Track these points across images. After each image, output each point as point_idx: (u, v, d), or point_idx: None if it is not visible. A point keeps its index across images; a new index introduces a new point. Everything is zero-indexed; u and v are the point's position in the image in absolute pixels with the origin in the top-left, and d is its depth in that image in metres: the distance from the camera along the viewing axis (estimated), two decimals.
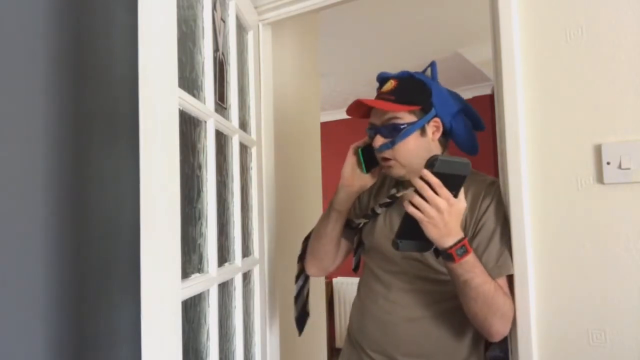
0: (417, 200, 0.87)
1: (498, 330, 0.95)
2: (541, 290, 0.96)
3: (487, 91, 3.81)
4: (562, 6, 0.96)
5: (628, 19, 0.90)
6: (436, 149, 1.07)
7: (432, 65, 1.11)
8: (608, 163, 0.90)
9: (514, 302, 0.97)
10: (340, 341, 4.12)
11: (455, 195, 0.87)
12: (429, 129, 1.05)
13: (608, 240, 0.90)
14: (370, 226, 1.17)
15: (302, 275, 1.27)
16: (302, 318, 1.29)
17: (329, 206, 1.16)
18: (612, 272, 0.90)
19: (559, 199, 0.95)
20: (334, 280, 4.20)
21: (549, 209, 0.95)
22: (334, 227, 1.15)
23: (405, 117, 1.03)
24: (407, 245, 0.93)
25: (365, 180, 1.12)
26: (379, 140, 1.05)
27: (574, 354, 0.93)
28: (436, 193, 0.86)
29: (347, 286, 4.11)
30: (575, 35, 0.94)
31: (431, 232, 0.87)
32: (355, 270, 1.25)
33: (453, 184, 0.87)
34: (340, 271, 4.16)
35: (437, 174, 0.86)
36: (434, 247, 0.91)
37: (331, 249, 1.19)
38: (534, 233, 0.96)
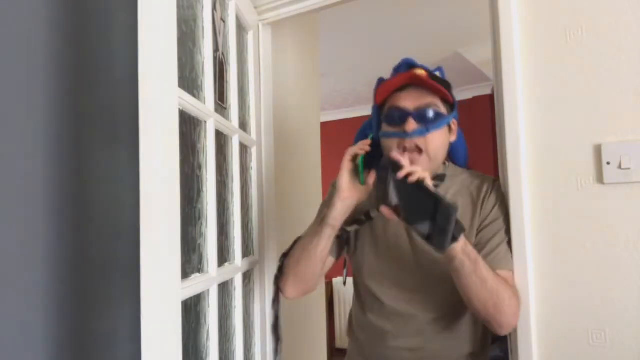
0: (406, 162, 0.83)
1: (505, 321, 0.90)
2: (541, 290, 0.96)
3: (487, 91, 3.81)
4: (562, 6, 0.96)
5: (628, 19, 0.90)
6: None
7: (440, 70, 1.04)
8: (608, 163, 0.90)
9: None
10: (340, 341, 4.12)
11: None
12: (453, 127, 1.03)
13: (608, 240, 0.90)
14: (362, 233, 1.08)
15: (278, 299, 1.12)
16: (277, 346, 1.16)
17: (319, 222, 1.00)
18: (612, 272, 0.90)
19: (559, 199, 0.95)
20: (334, 280, 4.20)
21: (549, 209, 0.95)
22: (326, 246, 0.99)
23: (441, 106, 0.97)
24: (438, 237, 0.76)
25: (363, 192, 0.98)
26: (412, 124, 0.92)
27: (574, 354, 0.93)
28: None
29: (348, 286, 4.10)
30: (575, 35, 0.94)
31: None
32: (344, 284, 1.17)
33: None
34: (341, 271, 4.16)
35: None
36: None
37: (319, 270, 1.03)
38: (534, 233, 0.96)
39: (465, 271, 0.86)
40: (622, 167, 0.88)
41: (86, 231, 0.89)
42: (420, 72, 0.95)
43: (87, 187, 0.90)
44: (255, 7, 1.39)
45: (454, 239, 0.78)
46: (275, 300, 1.12)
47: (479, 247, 0.96)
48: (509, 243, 0.98)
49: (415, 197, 0.81)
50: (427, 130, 0.93)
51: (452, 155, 1.10)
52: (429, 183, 0.82)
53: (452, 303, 1.01)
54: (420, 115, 0.94)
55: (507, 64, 0.99)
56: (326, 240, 0.99)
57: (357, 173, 0.98)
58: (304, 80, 2.11)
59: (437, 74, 1.01)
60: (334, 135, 3.79)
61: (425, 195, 0.78)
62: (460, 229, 0.80)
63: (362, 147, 0.97)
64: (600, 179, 0.91)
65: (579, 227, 0.93)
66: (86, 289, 0.89)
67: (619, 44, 0.91)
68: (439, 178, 1.03)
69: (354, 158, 0.98)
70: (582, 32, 0.94)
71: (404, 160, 0.86)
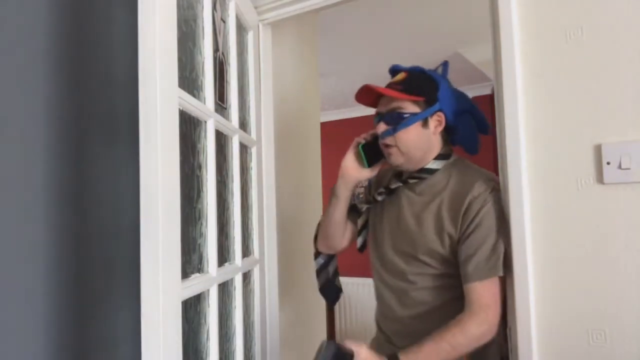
0: None
1: (484, 339, 0.99)
2: (541, 290, 0.96)
3: (487, 91, 3.80)
4: (562, 6, 0.96)
5: (628, 19, 0.90)
6: (437, 142, 1.13)
7: (445, 64, 1.17)
8: (608, 163, 0.90)
9: (513, 297, 0.97)
10: (340, 341, 4.11)
11: None
12: (432, 122, 1.10)
13: (608, 240, 0.90)
14: (374, 212, 1.26)
15: (322, 255, 1.37)
16: (329, 290, 1.39)
17: (331, 191, 1.25)
18: (612, 272, 0.90)
19: (559, 199, 0.95)
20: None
21: (549, 209, 0.95)
22: (334, 211, 1.23)
23: (409, 106, 1.09)
24: None
25: (363, 173, 1.19)
26: (381, 127, 1.11)
27: (574, 354, 0.93)
28: None
29: (348, 286, 4.11)
30: (575, 35, 0.94)
31: None
32: (360, 251, 1.31)
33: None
34: (341, 271, 4.16)
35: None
36: None
37: (336, 230, 1.27)
38: (534, 233, 0.96)
39: None
40: (622, 167, 0.88)
41: (86, 231, 0.89)
42: (398, 77, 1.12)
43: (87, 187, 0.90)
44: (255, 7, 1.39)
45: None
46: (317, 256, 1.38)
47: (460, 258, 1.03)
48: (500, 245, 1.00)
49: None
50: (395, 130, 1.08)
51: (462, 145, 1.17)
52: None
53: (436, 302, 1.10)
54: (390, 117, 1.10)
55: (507, 64, 0.99)
56: (333, 207, 1.23)
57: (361, 159, 1.17)
58: (304, 80, 2.11)
59: (440, 69, 1.15)
60: (334, 135, 3.78)
61: None
62: None
63: (365, 136, 1.17)
64: (600, 179, 0.91)
65: (579, 227, 0.93)
66: (86, 289, 0.89)
67: (619, 44, 0.91)
68: (425, 171, 1.12)
69: (358, 144, 1.17)
70: (582, 32, 0.94)
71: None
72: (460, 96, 1.14)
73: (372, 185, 1.31)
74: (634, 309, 0.88)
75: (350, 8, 2.29)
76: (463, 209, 1.04)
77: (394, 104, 1.09)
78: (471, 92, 3.91)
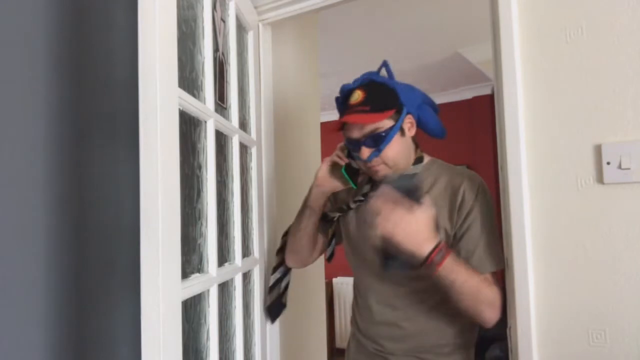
0: (383, 217, 0.91)
1: (489, 318, 0.99)
2: (541, 290, 0.96)
3: (487, 91, 3.81)
4: (562, 6, 0.96)
5: (628, 19, 0.90)
6: (412, 146, 1.14)
7: (385, 64, 1.13)
8: (608, 163, 0.90)
9: (513, 297, 0.97)
10: (340, 341, 4.12)
11: (419, 204, 0.92)
12: (405, 127, 1.10)
13: (608, 240, 0.90)
14: (345, 221, 1.24)
15: (281, 268, 1.31)
16: (276, 308, 1.33)
17: (303, 204, 1.22)
18: (612, 272, 0.90)
19: (559, 199, 0.95)
20: (334, 280, 4.20)
21: (549, 209, 0.95)
22: (308, 223, 1.20)
23: (385, 123, 1.06)
24: (393, 264, 0.96)
25: (337, 183, 1.18)
26: (365, 152, 1.07)
27: (574, 354, 0.93)
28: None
29: (348, 286, 4.11)
30: (575, 35, 0.94)
31: (406, 244, 0.90)
32: (329, 260, 1.30)
33: (413, 196, 0.92)
34: (341, 271, 4.16)
35: (396, 190, 0.93)
36: (419, 260, 0.92)
37: (307, 243, 1.23)
38: (534, 233, 0.96)
39: (443, 283, 0.95)
40: (622, 167, 0.88)
41: (86, 231, 0.89)
42: (356, 97, 1.07)
43: (87, 187, 0.90)
44: (255, 7, 1.39)
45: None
46: (276, 269, 1.31)
47: (464, 247, 1.03)
48: (496, 238, 1.02)
49: None
50: (380, 150, 1.06)
51: (431, 136, 1.19)
52: None
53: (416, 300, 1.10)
54: (371, 140, 1.06)
55: (507, 64, 0.99)
56: (307, 219, 1.20)
57: (347, 183, 1.16)
58: (304, 80, 2.11)
59: (383, 71, 1.13)
60: (334, 135, 3.78)
61: None
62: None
63: (341, 157, 1.16)
64: (600, 179, 0.91)
65: (579, 227, 0.93)
66: (86, 289, 0.89)
67: (618, 44, 0.91)
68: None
69: (336, 162, 1.17)
70: (582, 32, 0.94)
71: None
72: (411, 89, 1.13)
73: (347, 193, 1.26)
74: (634, 309, 0.88)
75: (350, 8, 2.29)
76: (457, 203, 1.04)
77: (371, 127, 1.05)
78: (471, 92, 3.93)
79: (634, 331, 0.88)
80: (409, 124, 1.10)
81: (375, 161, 1.07)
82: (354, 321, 1.26)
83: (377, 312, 1.14)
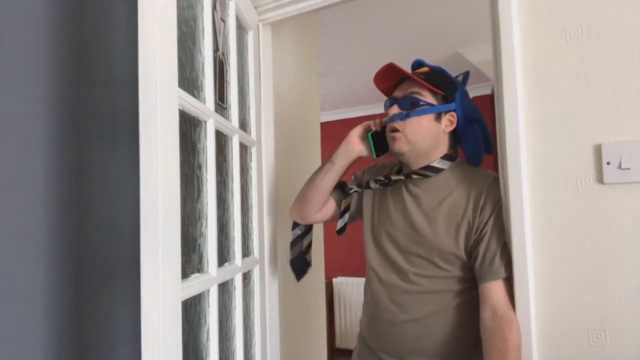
0: None
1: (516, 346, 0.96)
2: (541, 290, 0.96)
3: (487, 91, 3.81)
4: (562, 6, 0.96)
5: (628, 19, 0.90)
6: (444, 141, 1.12)
7: (466, 74, 1.19)
8: (608, 163, 0.90)
9: (513, 302, 0.97)
10: (340, 341, 4.11)
11: None
12: (444, 119, 1.10)
13: (608, 240, 0.90)
14: (365, 203, 1.24)
15: (300, 226, 1.33)
16: (299, 263, 1.34)
17: (327, 158, 1.23)
18: (612, 272, 0.90)
19: (559, 199, 0.95)
20: (334, 280, 4.20)
21: (549, 209, 0.95)
22: (324, 176, 1.21)
23: (427, 96, 1.09)
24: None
25: (362, 147, 1.19)
26: (394, 109, 1.09)
27: (574, 354, 0.93)
28: None
29: (347, 286, 4.11)
30: (575, 35, 0.94)
31: None
32: (338, 234, 1.28)
33: None
34: (340, 271, 4.16)
35: None
36: None
37: (315, 196, 1.24)
38: (534, 233, 0.96)
39: None
40: (622, 167, 0.88)
41: (86, 231, 0.89)
42: (421, 70, 1.13)
43: (87, 187, 0.90)
44: (255, 7, 1.39)
45: None
46: (295, 226, 1.33)
47: (476, 257, 1.02)
48: (505, 246, 1.00)
49: None
50: (408, 115, 1.08)
51: (466, 153, 1.16)
52: None
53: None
54: (405, 102, 1.09)
55: (507, 64, 0.99)
56: (325, 172, 1.21)
57: (370, 148, 1.18)
58: (304, 80, 2.11)
59: (461, 77, 1.17)
60: (334, 135, 3.79)
61: None
62: None
63: (375, 124, 1.17)
64: (600, 179, 0.91)
65: (579, 227, 0.93)
66: (86, 289, 0.89)
67: (618, 44, 0.91)
68: (430, 169, 1.10)
69: (368, 130, 1.19)
70: (582, 31, 0.94)
71: None
72: (474, 107, 1.14)
73: (365, 173, 1.30)
74: (634, 309, 0.88)
75: (350, 8, 2.29)
76: (480, 207, 1.03)
77: (413, 89, 1.09)
78: (471, 92, 3.92)
79: (634, 331, 0.88)
80: (449, 119, 1.10)
81: (398, 124, 1.08)
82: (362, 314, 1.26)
83: (385, 308, 1.13)
